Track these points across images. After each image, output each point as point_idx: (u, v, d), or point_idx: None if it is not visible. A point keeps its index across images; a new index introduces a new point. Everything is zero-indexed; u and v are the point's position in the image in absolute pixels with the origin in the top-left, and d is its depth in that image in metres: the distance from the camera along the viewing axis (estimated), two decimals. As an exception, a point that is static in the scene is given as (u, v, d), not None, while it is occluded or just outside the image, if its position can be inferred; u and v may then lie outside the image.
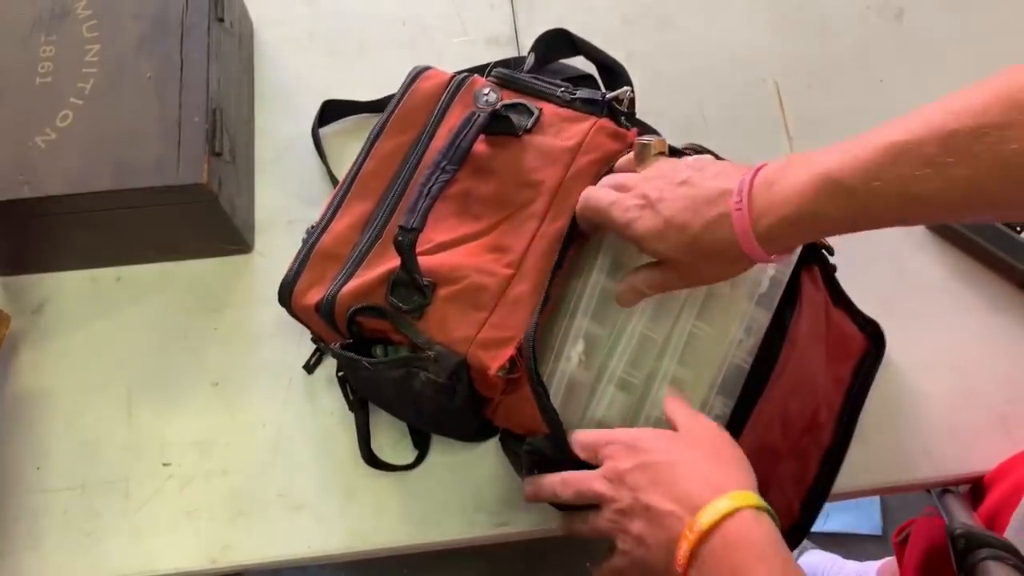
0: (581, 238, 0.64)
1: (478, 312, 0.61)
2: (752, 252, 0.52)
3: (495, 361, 0.59)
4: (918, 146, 0.46)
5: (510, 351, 0.60)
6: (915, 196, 0.46)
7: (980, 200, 0.46)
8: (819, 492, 0.66)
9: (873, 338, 0.70)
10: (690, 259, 0.54)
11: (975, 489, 0.71)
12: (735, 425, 0.62)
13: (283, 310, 0.68)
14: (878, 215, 0.48)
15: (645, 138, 0.62)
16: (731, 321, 0.63)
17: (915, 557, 0.74)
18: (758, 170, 0.52)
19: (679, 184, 0.55)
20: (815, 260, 0.66)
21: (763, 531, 0.49)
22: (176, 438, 0.72)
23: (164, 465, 0.71)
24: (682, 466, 0.53)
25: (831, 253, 0.69)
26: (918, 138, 0.46)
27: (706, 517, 0.48)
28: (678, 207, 0.54)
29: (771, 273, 0.64)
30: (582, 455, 0.58)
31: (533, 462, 0.61)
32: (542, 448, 0.60)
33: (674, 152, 0.64)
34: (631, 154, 0.64)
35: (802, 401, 0.65)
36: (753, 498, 0.50)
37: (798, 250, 0.64)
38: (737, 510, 0.48)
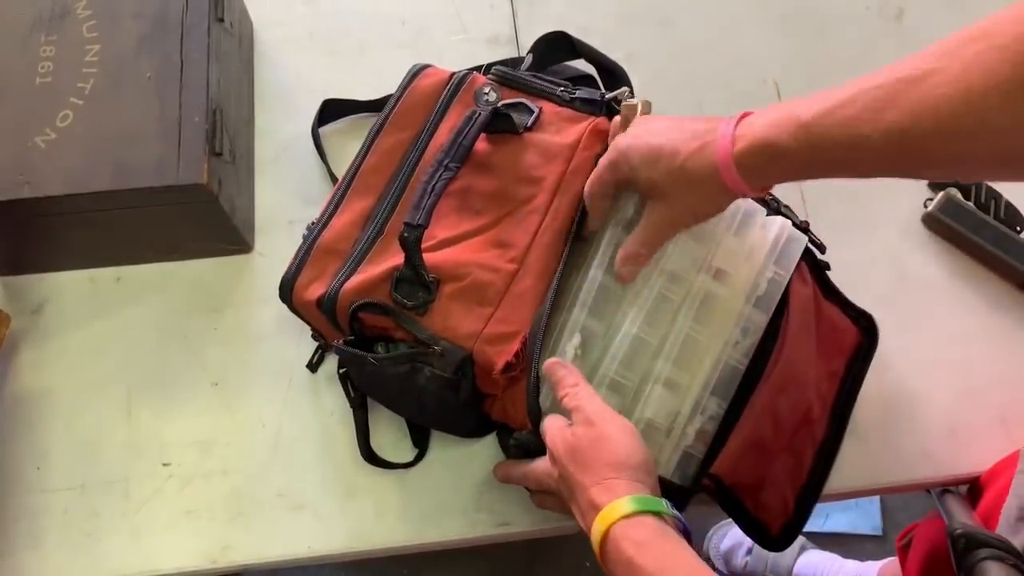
0: (582, 233, 0.65)
1: (483, 307, 0.62)
2: (729, 177, 0.55)
3: (501, 357, 0.60)
4: (870, 90, 0.49)
5: (516, 346, 0.60)
6: (858, 139, 0.49)
7: (914, 150, 0.48)
8: (814, 487, 0.66)
9: (866, 330, 0.70)
10: (676, 188, 0.58)
11: (972, 489, 0.71)
12: (727, 424, 0.62)
13: (283, 310, 0.68)
14: (828, 154, 0.51)
15: (631, 100, 0.65)
16: (727, 322, 0.63)
17: (917, 560, 0.74)
18: (745, 113, 0.56)
19: (670, 123, 0.60)
20: (802, 256, 0.66)
21: (642, 532, 0.52)
22: (176, 438, 0.72)
23: (164, 465, 0.71)
24: (576, 488, 0.56)
25: (822, 250, 0.69)
26: (874, 84, 0.49)
27: (593, 536, 0.54)
28: (669, 136, 0.58)
29: (769, 276, 0.64)
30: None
31: (520, 455, 0.62)
32: (528, 443, 0.61)
33: None
34: (618, 118, 0.66)
35: (794, 397, 0.65)
36: (623, 506, 0.52)
37: (798, 254, 0.64)
38: (610, 526, 0.52)
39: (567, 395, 0.59)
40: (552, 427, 0.59)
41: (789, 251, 0.65)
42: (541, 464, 0.60)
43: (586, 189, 0.63)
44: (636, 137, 0.60)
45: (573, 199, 0.65)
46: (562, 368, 0.60)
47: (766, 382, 0.63)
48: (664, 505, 0.53)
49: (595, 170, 0.63)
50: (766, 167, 0.54)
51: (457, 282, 0.62)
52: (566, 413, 0.59)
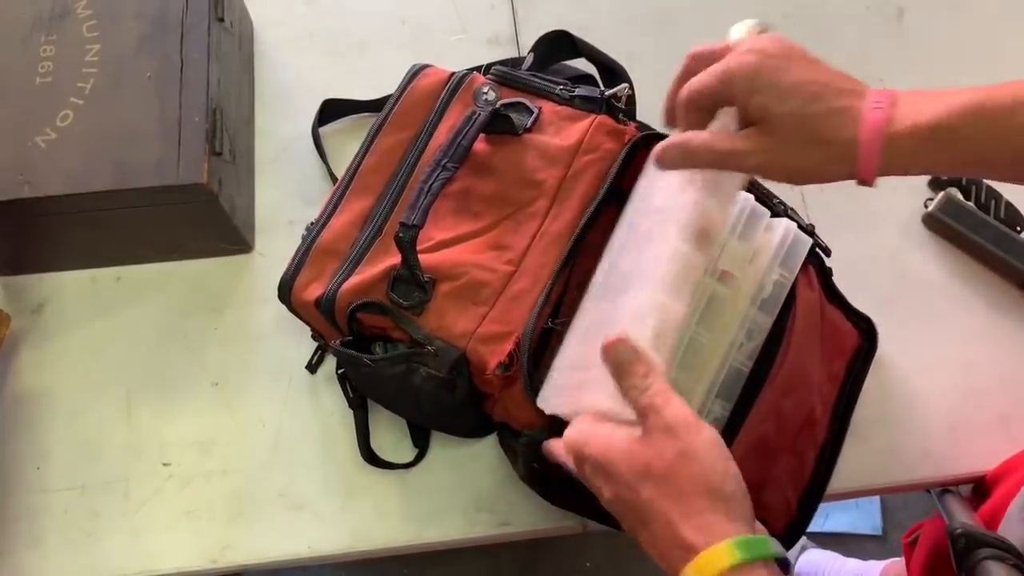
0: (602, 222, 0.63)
1: (478, 307, 0.62)
2: (866, 154, 0.49)
3: (494, 356, 0.60)
4: None
5: (509, 346, 0.60)
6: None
7: None
8: (816, 488, 0.66)
9: (866, 333, 0.70)
10: (796, 135, 0.50)
11: (978, 488, 0.71)
12: (732, 427, 0.62)
13: (283, 310, 0.68)
14: (1005, 145, 0.48)
15: (743, 24, 0.58)
16: (732, 325, 0.63)
17: (921, 558, 0.73)
18: (891, 92, 0.51)
19: (807, 62, 0.52)
20: (809, 259, 0.66)
21: None
22: (176, 438, 0.72)
23: (164, 465, 0.71)
24: (655, 519, 0.46)
25: (828, 254, 0.69)
26: None
27: None
28: (811, 77, 0.50)
29: (774, 278, 0.63)
30: (564, 460, 0.54)
31: (531, 454, 0.61)
32: (540, 440, 0.60)
33: None
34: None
35: (798, 400, 0.65)
36: (726, 555, 0.43)
37: (803, 256, 0.64)
38: None
39: (636, 390, 0.48)
40: (599, 434, 0.48)
41: (794, 253, 0.64)
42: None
43: (683, 93, 0.53)
44: (769, 57, 0.51)
45: (572, 204, 0.64)
46: (630, 351, 0.49)
47: (771, 384, 0.63)
48: (771, 545, 0.45)
49: (701, 76, 0.52)
50: (920, 153, 0.49)
51: (453, 282, 0.62)
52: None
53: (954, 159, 0.49)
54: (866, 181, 0.50)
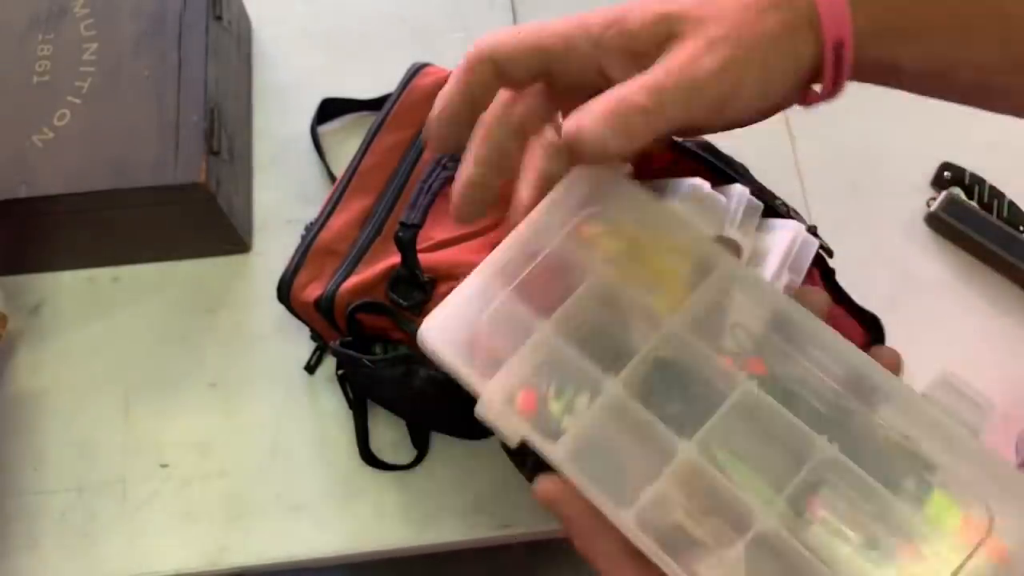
0: None
1: None
2: (830, 14, 0.34)
3: None
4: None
5: None
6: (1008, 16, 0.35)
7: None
8: None
9: (873, 331, 0.70)
10: (726, 15, 0.34)
11: None
12: None
13: (282, 310, 0.68)
14: (975, 30, 0.36)
15: None
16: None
17: None
18: None
19: None
20: (814, 262, 0.66)
21: None
22: (174, 439, 0.72)
23: (162, 466, 0.71)
24: None
25: (830, 255, 0.69)
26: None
27: None
28: None
29: (785, 281, 0.63)
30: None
31: (536, 464, 0.61)
32: None
33: (675, 146, 0.63)
34: None
35: None
36: None
37: (810, 258, 0.64)
38: None
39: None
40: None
41: (802, 255, 0.64)
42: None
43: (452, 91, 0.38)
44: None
45: None
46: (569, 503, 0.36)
47: None
48: None
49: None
50: (886, 25, 0.35)
51: (452, 282, 0.62)
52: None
53: (930, 31, 0.35)
54: (843, 39, 0.34)
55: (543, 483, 0.37)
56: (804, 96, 0.38)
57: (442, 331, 0.35)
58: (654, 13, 0.34)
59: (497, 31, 0.36)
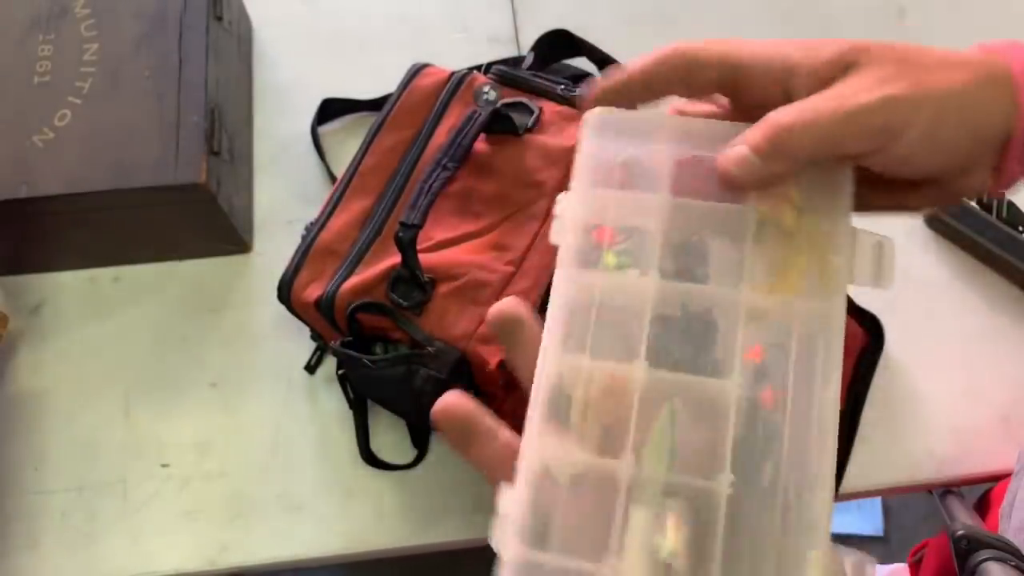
0: None
1: (478, 307, 0.61)
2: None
3: (494, 356, 0.59)
4: None
5: None
6: None
7: None
8: None
9: (872, 332, 0.70)
10: (915, 61, 0.34)
11: (980, 505, 0.70)
12: None
13: (282, 310, 0.68)
14: None
15: None
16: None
17: (929, 573, 0.73)
18: None
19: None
20: None
21: None
22: (174, 439, 0.72)
23: (162, 466, 0.71)
24: None
25: None
26: None
27: None
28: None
29: None
30: None
31: None
32: None
33: None
34: None
35: None
36: None
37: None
38: None
39: None
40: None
41: None
42: None
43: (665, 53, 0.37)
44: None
45: None
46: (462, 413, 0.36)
47: None
48: None
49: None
50: None
51: (452, 282, 0.62)
52: None
53: None
54: None
55: (447, 396, 0.37)
56: (997, 175, 0.37)
57: None
58: (847, 45, 0.35)
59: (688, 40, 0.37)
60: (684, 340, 0.34)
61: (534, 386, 0.34)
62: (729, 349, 0.34)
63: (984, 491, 0.73)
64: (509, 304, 0.37)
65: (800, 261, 0.36)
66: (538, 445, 0.34)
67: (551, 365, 0.34)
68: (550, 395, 0.34)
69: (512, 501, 0.35)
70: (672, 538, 0.31)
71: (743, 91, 0.37)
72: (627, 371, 0.33)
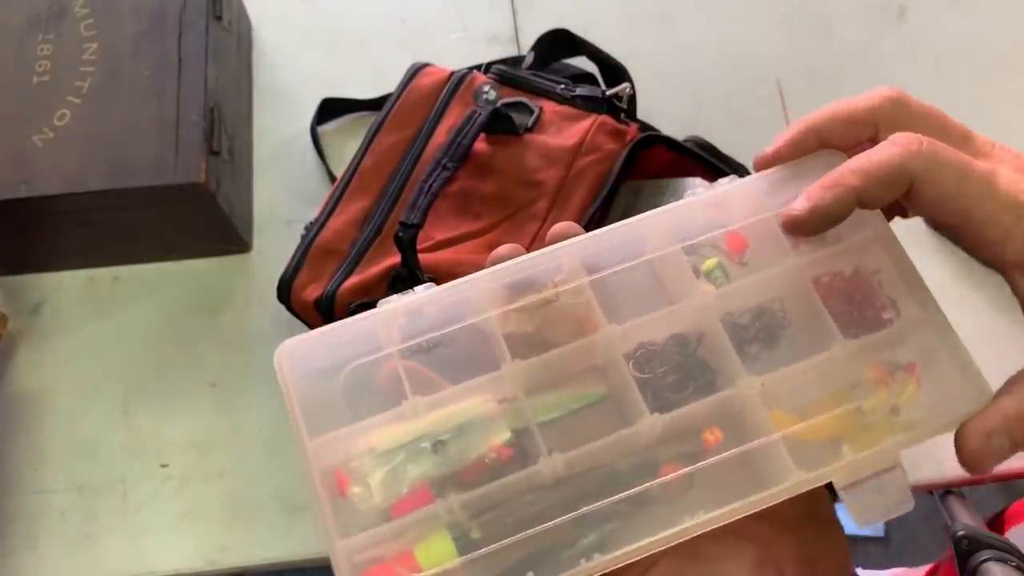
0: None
1: None
2: None
3: None
4: None
5: None
6: None
7: None
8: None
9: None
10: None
11: (993, 524, 0.70)
12: None
13: (282, 310, 0.68)
14: None
15: None
16: None
17: None
18: None
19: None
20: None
21: None
22: (174, 439, 0.72)
23: (162, 466, 0.71)
24: None
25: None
26: None
27: None
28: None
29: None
30: None
31: None
32: None
33: (675, 146, 0.63)
34: None
35: None
36: None
37: None
38: None
39: None
40: None
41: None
42: None
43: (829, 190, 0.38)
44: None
45: (573, 205, 0.64)
46: None
47: None
48: None
49: (861, 164, 0.37)
50: None
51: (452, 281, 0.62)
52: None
53: None
54: None
55: None
56: None
57: None
58: (926, 107, 0.40)
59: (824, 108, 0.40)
60: None
61: None
62: None
63: (1000, 510, 0.73)
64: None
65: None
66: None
67: None
68: None
69: None
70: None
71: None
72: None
